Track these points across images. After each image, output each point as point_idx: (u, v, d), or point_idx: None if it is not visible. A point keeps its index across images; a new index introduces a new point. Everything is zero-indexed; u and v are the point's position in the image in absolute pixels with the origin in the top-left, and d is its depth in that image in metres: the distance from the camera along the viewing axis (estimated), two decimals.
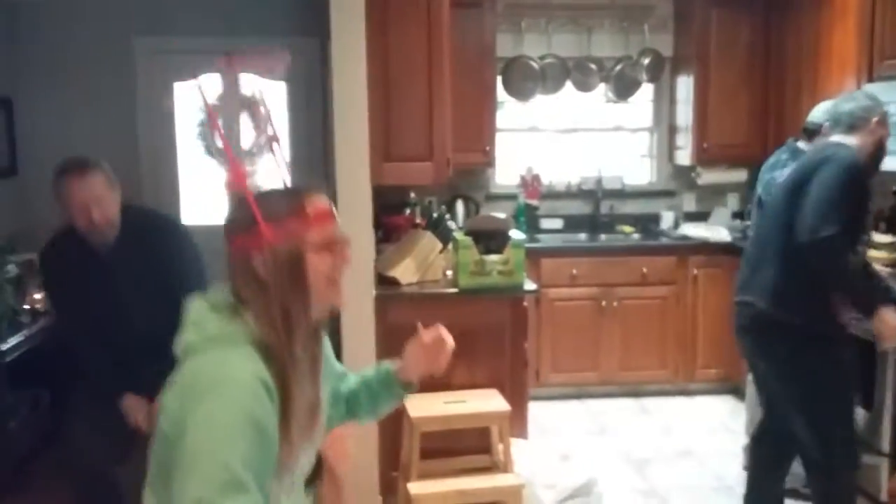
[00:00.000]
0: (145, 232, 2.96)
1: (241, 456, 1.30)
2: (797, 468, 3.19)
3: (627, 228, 5.38)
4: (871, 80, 3.97)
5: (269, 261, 1.42)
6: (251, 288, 1.43)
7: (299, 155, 5.22)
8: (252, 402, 1.33)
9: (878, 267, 3.71)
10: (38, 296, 4.33)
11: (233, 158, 1.49)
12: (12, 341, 3.90)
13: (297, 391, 1.43)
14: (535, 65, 5.21)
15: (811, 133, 3.57)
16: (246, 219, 1.43)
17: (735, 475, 3.96)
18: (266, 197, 1.47)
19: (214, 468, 1.28)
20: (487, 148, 4.94)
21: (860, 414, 3.64)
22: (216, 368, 1.37)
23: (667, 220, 5.38)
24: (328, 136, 4.94)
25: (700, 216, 5.44)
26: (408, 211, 4.63)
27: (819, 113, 3.55)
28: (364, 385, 1.78)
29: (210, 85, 1.40)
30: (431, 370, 1.70)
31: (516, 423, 3.47)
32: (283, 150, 1.64)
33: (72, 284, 2.92)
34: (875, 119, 2.95)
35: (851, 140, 2.93)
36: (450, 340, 1.69)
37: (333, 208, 1.52)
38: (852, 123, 2.96)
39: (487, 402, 3.34)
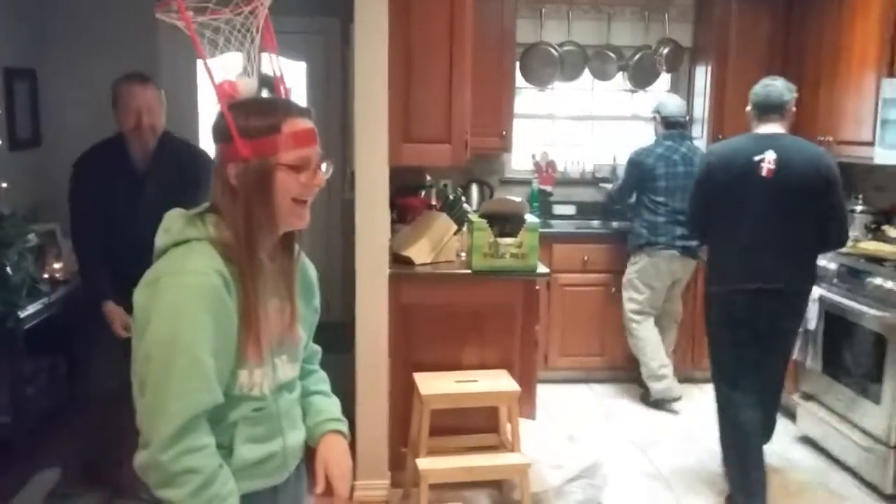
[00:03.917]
0: (181, 157, 3.26)
1: (202, 342, 1.43)
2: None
3: None
4: (891, 75, 3.98)
5: (240, 172, 1.50)
6: (224, 193, 1.52)
7: (317, 134, 5.26)
8: (208, 291, 1.44)
9: (889, 262, 3.75)
10: (57, 265, 4.40)
11: (212, 77, 1.54)
12: (31, 309, 3.96)
13: (262, 293, 1.53)
14: (554, 52, 5.22)
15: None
16: (224, 130, 1.51)
17: None
18: (246, 110, 1.52)
19: (173, 352, 1.42)
20: (504, 133, 4.96)
21: (867, 406, 3.69)
22: (175, 264, 1.48)
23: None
24: (347, 115, 4.98)
25: None
26: (423, 193, 4.67)
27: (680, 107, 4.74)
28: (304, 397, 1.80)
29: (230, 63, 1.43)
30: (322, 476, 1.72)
31: (525, 404, 3.53)
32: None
33: (100, 190, 3.21)
34: None
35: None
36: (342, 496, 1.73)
37: (314, 131, 1.57)
38: None
39: (497, 382, 3.39)
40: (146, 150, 3.24)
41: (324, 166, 1.57)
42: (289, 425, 1.65)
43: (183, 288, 1.44)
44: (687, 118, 4.86)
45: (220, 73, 1.57)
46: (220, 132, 1.52)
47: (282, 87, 1.66)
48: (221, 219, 1.53)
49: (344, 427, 1.79)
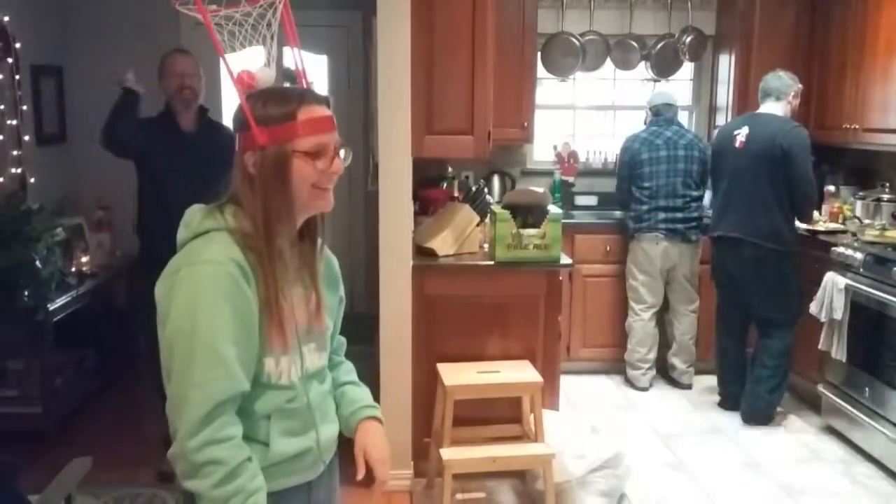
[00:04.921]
0: (218, 132, 3.65)
1: (220, 330, 1.44)
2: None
3: None
4: None
5: (258, 160, 1.51)
6: (242, 182, 1.53)
7: (340, 127, 5.28)
8: (225, 279, 1.45)
9: None
10: (84, 259, 4.47)
11: (230, 68, 1.56)
12: (60, 302, 4.04)
13: (284, 281, 1.54)
14: (575, 42, 5.20)
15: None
16: (243, 119, 1.52)
17: (762, 451, 3.99)
18: (264, 99, 1.53)
19: (192, 342, 1.43)
20: (526, 124, 4.94)
21: (884, 392, 3.66)
22: (193, 255, 1.50)
23: (705, 199, 5.36)
24: (369, 108, 5.00)
25: None
26: (445, 185, 4.68)
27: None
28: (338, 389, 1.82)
29: (252, 56, 1.45)
30: (363, 461, 1.73)
31: (548, 394, 3.53)
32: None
33: (145, 141, 3.51)
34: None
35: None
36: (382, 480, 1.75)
37: (331, 118, 1.58)
38: None
39: (520, 372, 3.40)
40: (189, 115, 3.61)
41: (342, 153, 1.58)
42: (321, 418, 1.66)
43: (200, 278, 1.45)
44: (675, 105, 4.85)
45: (241, 65, 1.59)
46: (239, 122, 1.54)
47: (304, 81, 1.66)
48: (240, 209, 1.54)
49: (378, 413, 1.80)
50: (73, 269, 4.35)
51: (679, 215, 4.66)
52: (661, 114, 4.79)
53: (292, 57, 1.67)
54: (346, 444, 1.76)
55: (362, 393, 1.82)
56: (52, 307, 3.96)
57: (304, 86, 1.66)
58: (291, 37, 1.66)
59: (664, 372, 4.96)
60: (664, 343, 4.92)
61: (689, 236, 4.69)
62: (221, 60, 1.59)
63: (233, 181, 1.57)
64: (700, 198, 4.75)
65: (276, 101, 1.52)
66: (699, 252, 4.77)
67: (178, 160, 3.50)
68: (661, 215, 4.67)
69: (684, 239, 4.69)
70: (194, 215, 1.57)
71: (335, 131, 1.57)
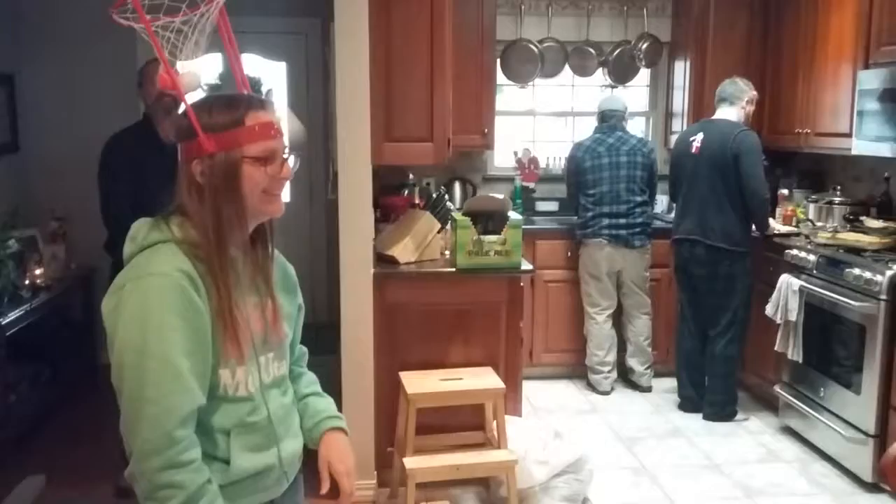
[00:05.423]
0: None
1: (171, 343, 1.40)
2: None
3: None
4: (866, 66, 4.01)
5: (206, 169, 1.48)
6: (189, 192, 1.50)
7: (280, 127, 5.24)
8: (174, 291, 1.42)
9: (868, 252, 3.79)
10: (38, 271, 4.38)
11: (168, 68, 1.55)
12: (13, 316, 3.95)
13: (237, 290, 1.52)
14: (534, 48, 5.24)
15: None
16: (188, 127, 1.49)
17: (722, 453, 4.04)
18: (209, 106, 1.51)
19: (143, 357, 1.39)
20: (486, 130, 4.96)
21: (847, 396, 3.73)
22: (139, 268, 1.46)
23: (661, 204, 5.44)
24: (329, 115, 4.98)
25: None
26: (406, 192, 4.68)
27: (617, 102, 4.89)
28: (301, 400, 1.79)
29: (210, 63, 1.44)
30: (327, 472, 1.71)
31: (510, 400, 3.54)
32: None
33: (131, 164, 3.38)
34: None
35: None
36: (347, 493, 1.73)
37: (279, 124, 1.57)
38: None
39: (482, 379, 3.40)
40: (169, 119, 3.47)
41: (290, 159, 1.56)
42: (284, 432, 1.62)
43: (147, 290, 1.42)
44: (620, 111, 4.84)
45: (193, 70, 1.57)
46: (183, 130, 1.50)
47: (262, 89, 1.65)
48: (186, 219, 1.51)
49: (343, 423, 1.77)
50: (27, 282, 4.26)
51: (622, 221, 4.70)
52: (607, 120, 4.82)
53: (251, 66, 1.65)
54: (310, 457, 1.73)
55: (326, 403, 1.79)
56: (4, 321, 3.87)
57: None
58: (229, 44, 1.64)
59: (625, 375, 5.01)
60: (622, 346, 4.96)
61: (633, 242, 4.73)
62: (165, 67, 1.56)
63: (177, 192, 1.53)
64: (646, 203, 4.79)
65: (223, 108, 1.50)
66: (646, 257, 4.82)
67: (159, 169, 3.39)
68: (605, 221, 4.71)
69: (628, 245, 4.73)
70: (140, 228, 1.53)
71: (282, 136, 1.56)
